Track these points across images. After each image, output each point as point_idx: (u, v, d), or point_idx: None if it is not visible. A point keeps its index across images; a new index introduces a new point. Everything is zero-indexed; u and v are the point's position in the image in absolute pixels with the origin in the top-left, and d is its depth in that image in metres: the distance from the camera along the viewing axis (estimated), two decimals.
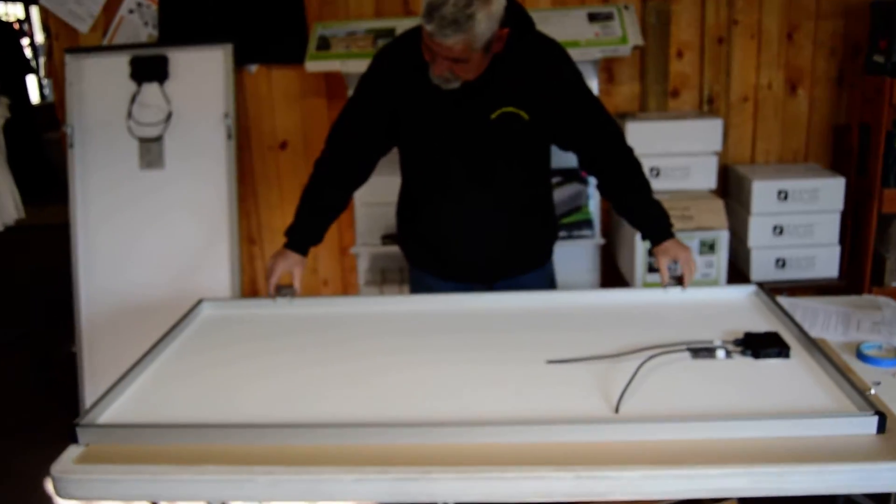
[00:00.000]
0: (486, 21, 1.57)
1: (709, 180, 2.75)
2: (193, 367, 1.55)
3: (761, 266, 2.77)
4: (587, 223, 2.79)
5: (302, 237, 1.87)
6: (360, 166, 1.90)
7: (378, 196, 2.37)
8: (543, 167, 1.96)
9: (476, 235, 1.88)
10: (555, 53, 1.82)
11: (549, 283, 2.08)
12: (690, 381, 1.41)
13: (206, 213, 2.83)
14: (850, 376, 1.37)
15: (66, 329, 2.93)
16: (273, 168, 3.10)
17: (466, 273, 1.95)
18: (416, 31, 1.77)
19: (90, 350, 2.87)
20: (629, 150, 1.88)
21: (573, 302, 1.81)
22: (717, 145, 2.73)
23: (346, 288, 3.22)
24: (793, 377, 1.41)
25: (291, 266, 1.83)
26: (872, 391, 1.32)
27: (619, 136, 1.88)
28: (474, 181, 1.84)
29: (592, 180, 2.74)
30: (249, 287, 3.21)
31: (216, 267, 2.82)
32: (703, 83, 2.94)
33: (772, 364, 1.46)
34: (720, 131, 2.72)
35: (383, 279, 2.89)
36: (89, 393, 2.87)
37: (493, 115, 1.77)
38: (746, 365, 1.46)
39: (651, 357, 1.47)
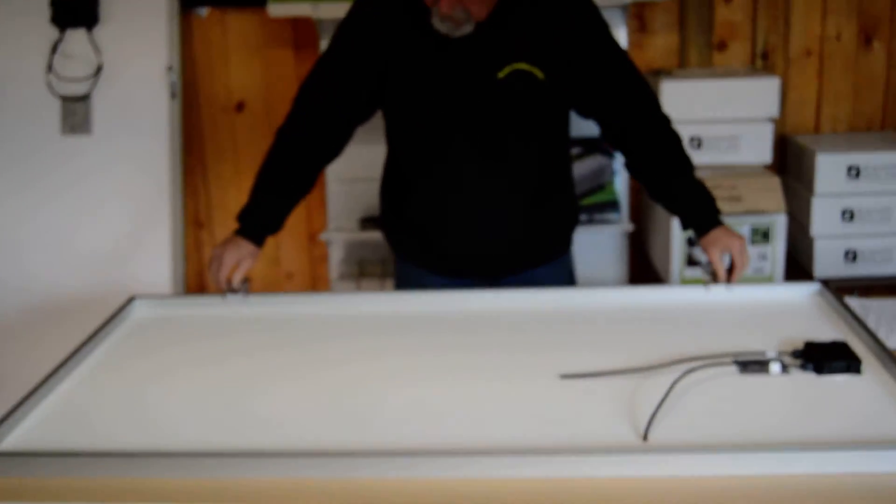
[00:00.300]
0: None
1: (762, 153, 2.74)
2: (121, 381, 1.53)
3: (827, 259, 2.76)
4: (612, 205, 2.79)
5: (258, 223, 1.86)
6: (335, 135, 1.90)
7: (355, 170, 2.37)
8: (561, 138, 1.97)
9: (479, 220, 1.89)
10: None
11: (567, 278, 2.09)
12: (737, 401, 1.39)
13: (143, 189, 2.81)
14: None
15: None
16: (227, 135, 3.08)
17: (466, 267, 1.96)
18: None
19: None
20: (666, 120, 1.88)
21: (594, 302, 1.80)
22: (773, 110, 2.72)
23: (315, 283, 3.22)
24: (865, 397, 1.39)
25: (241, 258, 1.81)
26: None
27: (653, 101, 1.89)
28: (478, 154, 1.85)
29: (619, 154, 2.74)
30: (196, 280, 3.20)
31: (154, 256, 2.81)
32: (757, 33, 2.93)
33: (839, 381, 1.44)
34: (777, 93, 2.71)
35: (361, 272, 2.89)
36: None
37: (502, 74, 1.78)
38: (807, 382, 1.45)
39: (689, 371, 1.45)
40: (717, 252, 1.81)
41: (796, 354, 1.50)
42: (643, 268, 2.99)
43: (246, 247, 1.82)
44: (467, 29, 1.72)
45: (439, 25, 1.71)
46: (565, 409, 1.38)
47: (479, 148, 1.85)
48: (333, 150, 1.92)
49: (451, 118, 1.84)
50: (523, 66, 1.78)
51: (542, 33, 1.79)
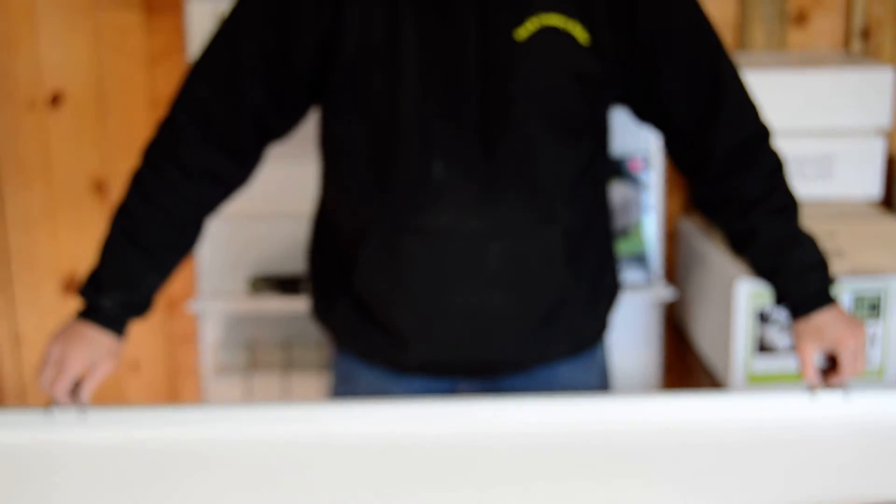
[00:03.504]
0: None
1: (868, 182, 2.78)
2: None
3: None
4: (639, 260, 2.81)
5: (119, 300, 1.82)
6: (240, 155, 1.89)
7: (247, 202, 2.30)
8: (603, 150, 1.96)
9: (475, 286, 1.85)
10: None
11: (598, 380, 2.08)
12: None
13: None
14: None
15: None
16: (36, 143, 3.05)
17: (453, 360, 1.94)
18: None
19: None
20: (764, 134, 1.91)
21: (637, 417, 1.79)
22: (883, 118, 2.75)
23: (175, 376, 3.19)
24: None
25: (94, 359, 1.77)
26: None
27: (749, 103, 1.89)
28: (486, 167, 1.80)
29: (650, 172, 2.75)
30: None
31: None
32: (853, 2, 2.96)
33: None
34: (889, 91, 2.74)
35: (253, 362, 2.88)
36: None
37: (523, 33, 1.75)
38: None
39: None
40: (812, 346, 1.81)
41: None
42: (684, 353, 2.99)
43: (100, 341, 1.79)
44: None
45: None
46: None
47: (483, 152, 1.80)
48: (238, 177, 1.89)
49: (438, 102, 1.78)
50: (556, 19, 1.75)
51: None
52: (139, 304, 1.84)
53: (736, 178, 1.87)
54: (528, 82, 1.77)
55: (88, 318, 1.79)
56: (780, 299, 1.87)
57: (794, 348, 1.84)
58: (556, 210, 1.85)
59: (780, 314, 1.87)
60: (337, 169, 1.92)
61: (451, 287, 1.85)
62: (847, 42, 2.99)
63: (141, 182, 1.85)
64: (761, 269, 1.90)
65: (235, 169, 1.88)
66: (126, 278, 1.82)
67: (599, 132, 1.92)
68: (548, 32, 1.74)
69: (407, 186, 1.81)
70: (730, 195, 1.88)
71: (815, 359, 1.81)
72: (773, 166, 1.88)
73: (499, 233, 1.82)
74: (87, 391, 1.77)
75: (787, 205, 1.87)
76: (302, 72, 1.81)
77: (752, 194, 1.86)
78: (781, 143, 2.65)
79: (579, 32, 1.75)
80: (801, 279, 1.85)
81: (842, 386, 1.80)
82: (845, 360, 1.79)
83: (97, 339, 1.78)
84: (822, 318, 1.82)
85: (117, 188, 2.96)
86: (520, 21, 1.74)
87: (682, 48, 1.83)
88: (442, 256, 1.83)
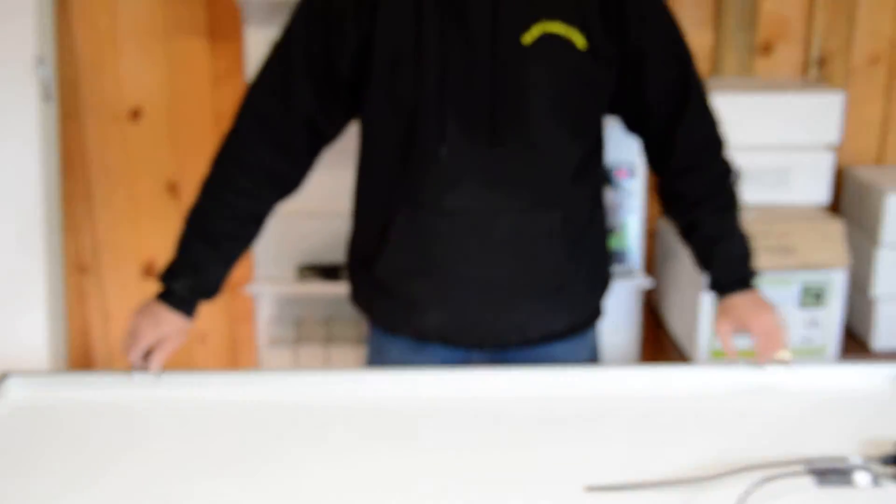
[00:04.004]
0: None
1: (819, 190, 2.76)
2: None
3: (891, 327, 2.78)
4: (623, 253, 2.83)
5: (188, 285, 1.83)
6: (299, 157, 1.89)
7: (295, 201, 2.31)
8: (600, 150, 1.95)
9: (489, 270, 1.86)
10: None
11: (589, 359, 2.08)
12: None
13: (8, 224, 2.75)
14: None
15: None
16: (119, 152, 3.04)
17: (467, 329, 1.93)
18: None
19: None
20: (719, 141, 1.92)
21: (621, 386, 1.80)
22: (833, 135, 2.73)
23: (236, 347, 3.19)
24: None
25: (163, 337, 1.79)
26: None
27: (710, 113, 1.91)
28: (494, 161, 1.80)
29: (634, 180, 2.79)
30: (79, 340, 3.16)
31: (24, 311, 2.74)
32: (812, 34, 2.95)
33: None
34: (839, 113, 2.72)
35: (299, 336, 2.88)
36: None
37: (528, 38, 1.75)
38: None
39: (755, 486, 1.43)
40: (727, 325, 1.85)
41: (887, 461, 1.49)
42: (659, 334, 3.00)
43: (171, 320, 1.80)
44: None
45: None
46: None
47: (494, 141, 1.79)
48: (294, 178, 1.90)
49: (455, 108, 1.77)
50: (558, 27, 1.75)
51: None
52: (207, 289, 1.84)
53: (689, 175, 1.90)
54: (532, 81, 1.76)
55: (163, 299, 1.80)
56: (710, 284, 1.90)
57: (715, 327, 1.87)
58: (557, 195, 1.85)
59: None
60: (368, 160, 1.92)
61: (463, 258, 1.84)
62: (805, 70, 2.98)
63: (209, 183, 1.86)
64: (699, 256, 1.93)
65: (291, 169, 1.88)
66: (195, 266, 1.83)
67: (595, 132, 1.91)
68: (550, 38, 1.74)
69: (426, 170, 1.80)
70: (683, 191, 1.91)
71: (732, 336, 1.83)
72: (722, 171, 1.90)
73: (504, 210, 1.81)
74: (156, 361, 1.77)
75: (728, 206, 1.89)
76: (344, 74, 1.80)
77: (700, 193, 1.89)
78: (747, 156, 2.70)
79: (578, 39, 1.75)
80: (726, 267, 1.88)
81: (762, 364, 1.81)
82: (755, 339, 1.81)
83: (167, 317, 1.79)
84: (735, 300, 1.85)
85: (188, 189, 2.99)
86: (526, 28, 1.73)
87: (661, 59, 1.84)
88: (455, 231, 1.83)
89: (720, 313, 1.87)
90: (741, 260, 1.89)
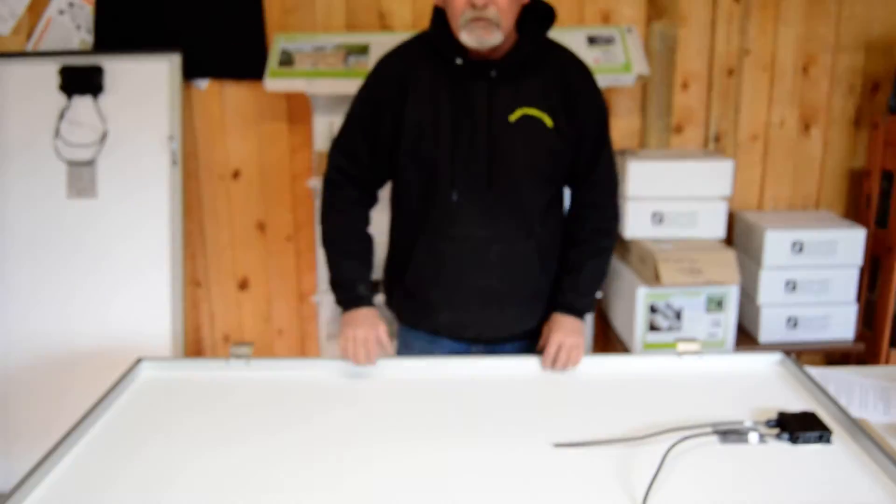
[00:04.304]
0: None
1: (717, 228, 2.73)
2: (130, 449, 1.43)
3: (771, 325, 2.74)
4: None
5: (363, 284, 1.81)
6: (374, 188, 1.88)
7: None
8: (561, 198, 1.92)
9: (488, 271, 1.82)
10: (580, 61, 1.83)
11: None
12: (722, 471, 1.34)
13: (145, 250, 2.72)
14: None
15: None
16: (224, 201, 3.02)
17: (469, 324, 1.88)
18: (417, 36, 1.82)
19: (5, 407, 2.73)
20: (608, 206, 1.88)
21: (577, 370, 1.76)
22: (726, 189, 2.71)
23: (304, 339, 3.14)
24: (837, 467, 1.35)
25: (377, 330, 1.75)
26: None
27: (611, 186, 1.88)
28: (489, 203, 1.78)
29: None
30: (193, 335, 3.11)
31: (155, 312, 2.71)
32: (710, 119, 2.93)
33: (812, 451, 1.40)
34: (731, 174, 2.70)
35: None
36: (1, 458, 2.72)
37: (513, 117, 1.74)
38: (784, 452, 1.40)
39: (678, 442, 1.39)
40: (545, 337, 1.81)
41: (770, 424, 1.46)
42: (606, 333, 2.95)
43: (371, 317, 1.76)
44: (496, 39, 1.65)
45: (467, 39, 1.66)
46: (562, 479, 1.32)
47: (491, 195, 1.76)
48: (370, 199, 1.89)
49: (462, 162, 1.75)
50: (534, 111, 1.74)
51: (551, 86, 1.75)
52: (371, 286, 1.82)
53: (574, 222, 1.87)
54: (515, 148, 1.75)
55: (356, 305, 1.77)
56: (551, 302, 1.86)
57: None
58: (533, 228, 1.82)
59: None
60: (400, 200, 1.89)
61: (467, 274, 1.82)
62: (706, 144, 2.95)
63: (333, 218, 1.84)
64: (558, 280, 1.88)
65: (366, 195, 1.87)
66: (358, 274, 1.80)
67: (558, 183, 1.88)
68: (528, 118, 1.74)
69: (440, 209, 1.79)
70: (568, 232, 1.88)
71: (553, 346, 1.76)
72: (605, 226, 1.87)
73: (496, 240, 1.79)
74: (383, 343, 1.75)
75: (589, 250, 1.85)
76: (385, 140, 1.79)
77: (575, 236, 1.86)
78: (667, 205, 2.68)
79: (547, 119, 1.74)
80: (566, 295, 1.84)
81: (555, 366, 1.74)
82: (560, 352, 1.74)
83: (369, 316, 1.76)
84: (555, 319, 1.81)
85: (272, 227, 2.99)
86: (512, 111, 1.73)
87: (593, 137, 1.82)
88: (460, 253, 1.80)
89: (549, 328, 1.81)
90: (581, 294, 1.84)
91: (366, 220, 1.87)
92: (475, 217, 1.78)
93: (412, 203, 1.84)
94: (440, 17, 1.74)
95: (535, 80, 1.74)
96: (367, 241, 1.86)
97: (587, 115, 1.80)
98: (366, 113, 1.80)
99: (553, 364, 1.74)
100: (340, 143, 1.84)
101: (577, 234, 1.86)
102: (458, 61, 1.72)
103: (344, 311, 1.79)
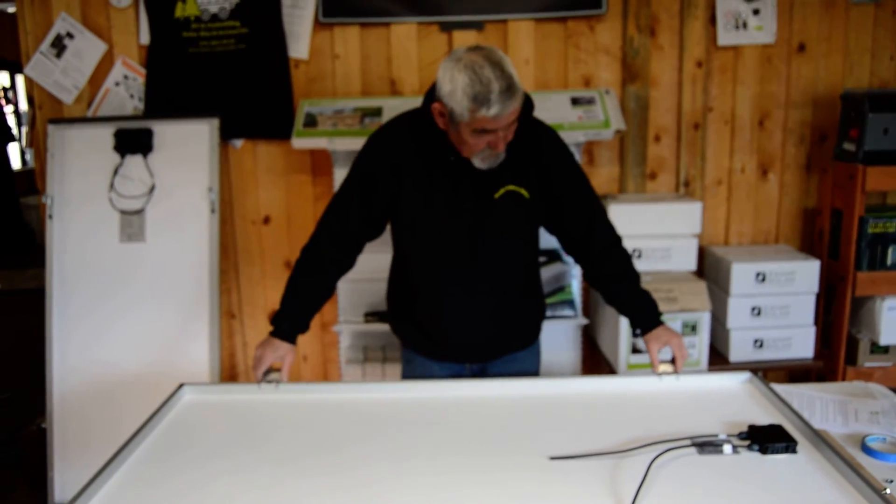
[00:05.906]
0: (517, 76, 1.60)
1: (689, 262, 2.71)
2: (173, 467, 1.40)
3: (740, 347, 2.71)
4: (569, 303, 2.72)
5: (291, 326, 1.77)
6: (350, 253, 1.84)
7: (362, 273, 2.28)
8: (536, 249, 1.92)
9: (478, 317, 1.83)
10: (551, 135, 1.81)
11: (537, 358, 2.02)
12: (701, 480, 1.31)
13: (187, 287, 2.71)
14: (863, 474, 1.28)
15: (40, 400, 2.75)
16: (255, 243, 3.00)
17: (464, 354, 1.90)
18: (408, 116, 1.78)
19: (61, 426, 2.69)
20: (618, 239, 1.86)
21: (570, 389, 1.72)
22: (696, 228, 2.70)
23: (327, 364, 3.10)
24: (803, 475, 1.32)
25: (282, 356, 1.73)
26: (888, 490, 1.23)
27: (608, 224, 1.85)
28: (477, 262, 1.78)
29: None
30: (228, 361, 3.08)
31: (195, 341, 2.68)
32: (680, 166, 2.92)
33: (780, 460, 1.37)
34: (700, 214, 2.69)
35: (365, 357, 2.79)
36: (58, 471, 2.69)
37: (497, 194, 1.74)
38: (755, 461, 1.37)
39: (661, 454, 1.36)
40: (656, 346, 1.76)
41: (742, 436, 1.43)
42: (594, 354, 2.91)
43: (282, 346, 1.74)
44: (501, 159, 1.67)
45: (479, 164, 1.67)
46: (557, 489, 1.29)
47: (479, 257, 1.77)
48: (349, 264, 1.84)
49: (455, 233, 1.75)
50: (514, 187, 1.74)
51: (527, 163, 1.74)
52: (302, 327, 1.79)
53: (605, 265, 1.84)
54: (499, 220, 1.75)
55: (276, 335, 1.75)
56: (635, 325, 1.82)
57: (647, 349, 1.77)
58: (513, 282, 1.84)
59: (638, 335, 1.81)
60: (402, 260, 1.90)
61: (464, 321, 1.83)
62: (677, 188, 2.94)
63: (300, 265, 1.81)
64: (623, 311, 1.85)
65: (346, 259, 1.83)
66: (295, 314, 1.78)
67: (534, 241, 1.88)
68: (510, 193, 1.74)
69: (442, 266, 1.80)
70: (603, 274, 1.85)
71: (660, 353, 1.75)
72: (626, 257, 1.84)
73: (487, 296, 1.81)
74: (284, 373, 1.72)
75: (633, 278, 1.83)
76: (380, 214, 1.80)
77: (614, 274, 1.83)
78: (644, 242, 2.67)
79: (524, 192, 1.75)
80: (647, 314, 1.80)
81: (679, 370, 1.72)
82: (676, 349, 1.74)
83: (281, 345, 1.74)
84: (658, 331, 1.77)
85: None
86: (496, 189, 1.74)
87: (575, 199, 1.81)
88: (453, 305, 1.82)
89: (650, 341, 1.77)
90: (655, 307, 1.81)
91: (333, 279, 1.83)
92: (462, 280, 1.79)
93: (413, 264, 1.85)
94: (432, 110, 1.68)
95: (514, 157, 1.73)
96: (321, 294, 1.82)
97: (561, 182, 1.79)
98: (363, 184, 1.78)
99: (674, 363, 1.74)
100: (333, 207, 1.82)
101: (615, 269, 1.84)
102: (452, 158, 1.71)
103: (268, 334, 1.77)
